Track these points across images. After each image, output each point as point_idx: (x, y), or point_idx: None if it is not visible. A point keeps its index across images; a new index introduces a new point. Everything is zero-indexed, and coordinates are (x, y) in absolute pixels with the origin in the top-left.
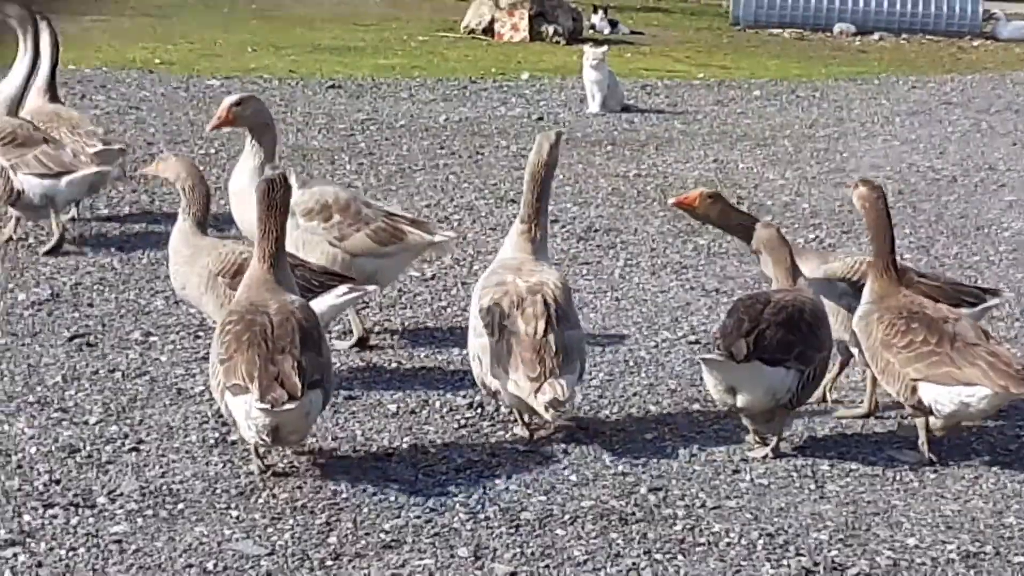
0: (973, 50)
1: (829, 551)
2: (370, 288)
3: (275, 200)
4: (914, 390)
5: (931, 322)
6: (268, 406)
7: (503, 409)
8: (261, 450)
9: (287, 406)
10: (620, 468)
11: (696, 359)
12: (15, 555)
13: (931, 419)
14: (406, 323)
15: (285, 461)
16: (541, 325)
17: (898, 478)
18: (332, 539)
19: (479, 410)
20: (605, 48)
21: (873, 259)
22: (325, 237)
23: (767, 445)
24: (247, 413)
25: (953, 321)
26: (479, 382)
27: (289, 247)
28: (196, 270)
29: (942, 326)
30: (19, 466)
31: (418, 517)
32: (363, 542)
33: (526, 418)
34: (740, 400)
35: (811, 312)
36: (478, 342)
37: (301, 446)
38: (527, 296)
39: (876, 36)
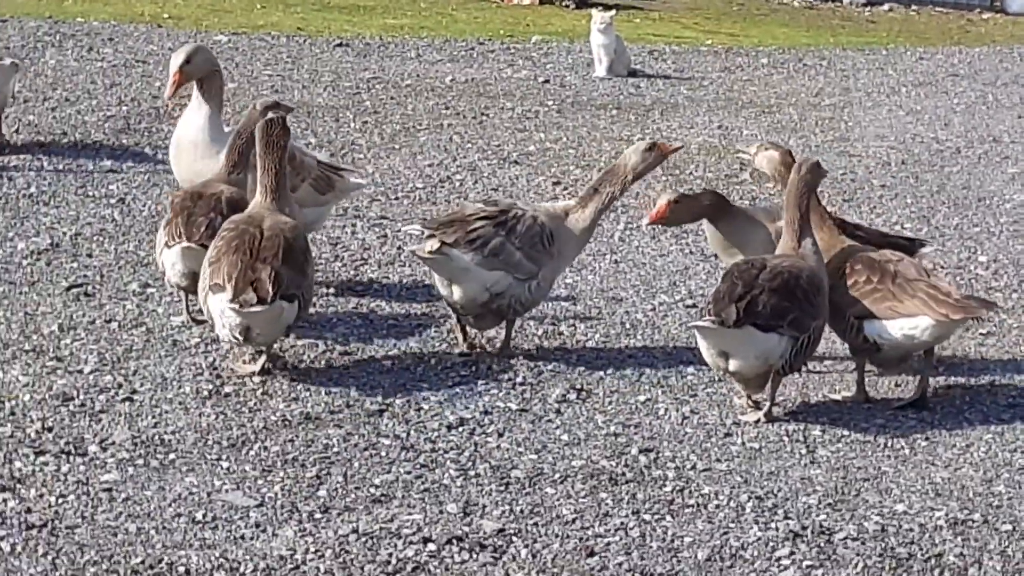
0: (982, 23)
1: (817, 515)
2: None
3: (274, 138)
4: (859, 328)
5: (873, 262)
6: (237, 306)
7: (495, 368)
8: (236, 350)
9: (255, 308)
10: (612, 429)
11: (688, 324)
12: (4, 501)
13: (877, 356)
14: (403, 279)
15: (277, 414)
16: None
17: (889, 445)
18: (322, 492)
19: (473, 368)
20: (613, 12)
21: (811, 214)
22: None
23: (759, 409)
24: (221, 312)
25: (895, 261)
26: None
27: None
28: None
29: (884, 265)
30: (12, 413)
31: (408, 472)
32: (352, 496)
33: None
34: (732, 365)
35: (808, 279)
36: None
37: (270, 348)
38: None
39: (886, 7)
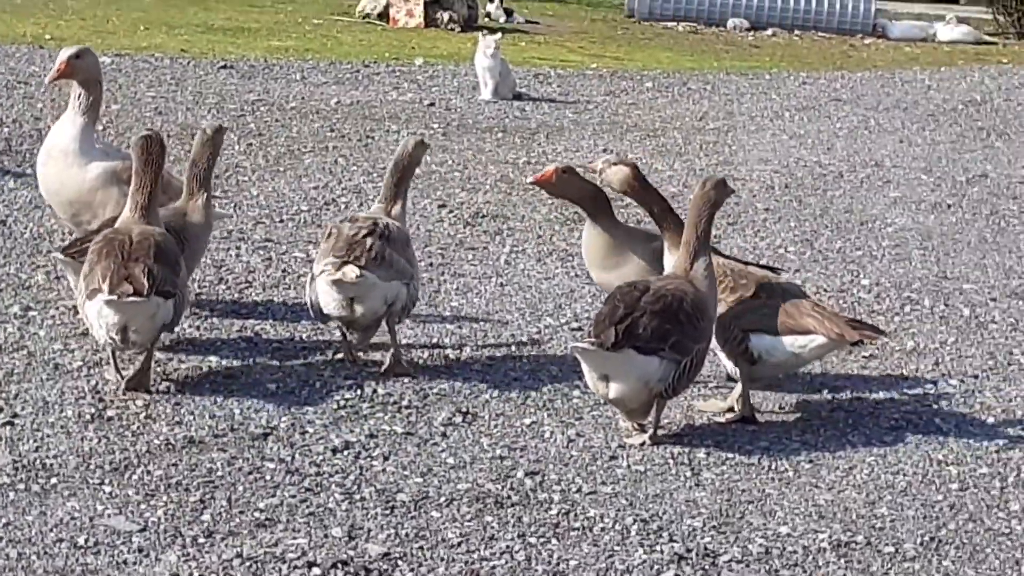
0: (864, 48)
1: (702, 538)
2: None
3: (152, 155)
4: (743, 340)
5: (757, 279)
6: (115, 297)
7: (380, 391)
8: (115, 355)
9: (132, 298)
10: (498, 452)
11: (568, 346)
12: None
13: (753, 368)
14: (288, 302)
15: (160, 438)
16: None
17: (773, 467)
18: (205, 516)
19: (359, 391)
20: (499, 36)
21: (679, 231)
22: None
23: (644, 432)
24: (99, 312)
25: (775, 281)
26: None
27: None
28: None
29: (771, 283)
30: None
31: (293, 496)
32: (237, 520)
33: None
34: (613, 390)
35: (693, 302)
36: None
37: (146, 349)
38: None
39: (769, 32)
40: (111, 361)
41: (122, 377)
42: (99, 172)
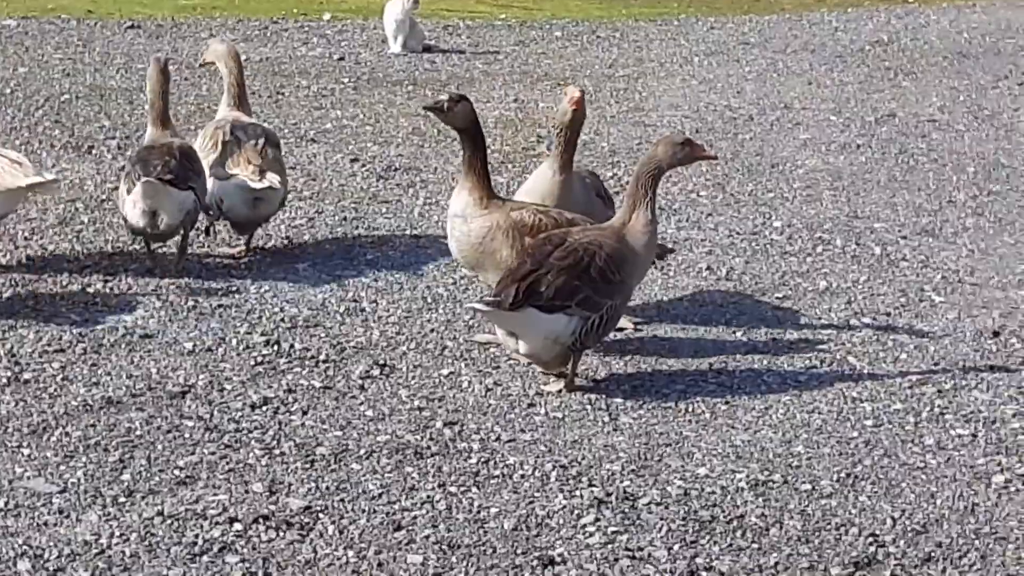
0: None
1: (621, 481)
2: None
3: (169, 74)
4: None
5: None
6: (151, 178)
7: (298, 346)
8: (149, 243)
9: (164, 183)
10: (416, 403)
11: (465, 305)
12: None
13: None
14: (204, 260)
15: (78, 399)
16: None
17: (690, 410)
18: (125, 476)
19: (275, 347)
20: None
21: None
22: None
23: (562, 379)
24: (134, 200)
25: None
26: None
27: None
28: None
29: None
30: None
31: (213, 453)
32: (157, 478)
33: None
34: (522, 346)
35: (608, 256)
36: None
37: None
38: None
39: None
40: (147, 248)
41: (154, 260)
42: None
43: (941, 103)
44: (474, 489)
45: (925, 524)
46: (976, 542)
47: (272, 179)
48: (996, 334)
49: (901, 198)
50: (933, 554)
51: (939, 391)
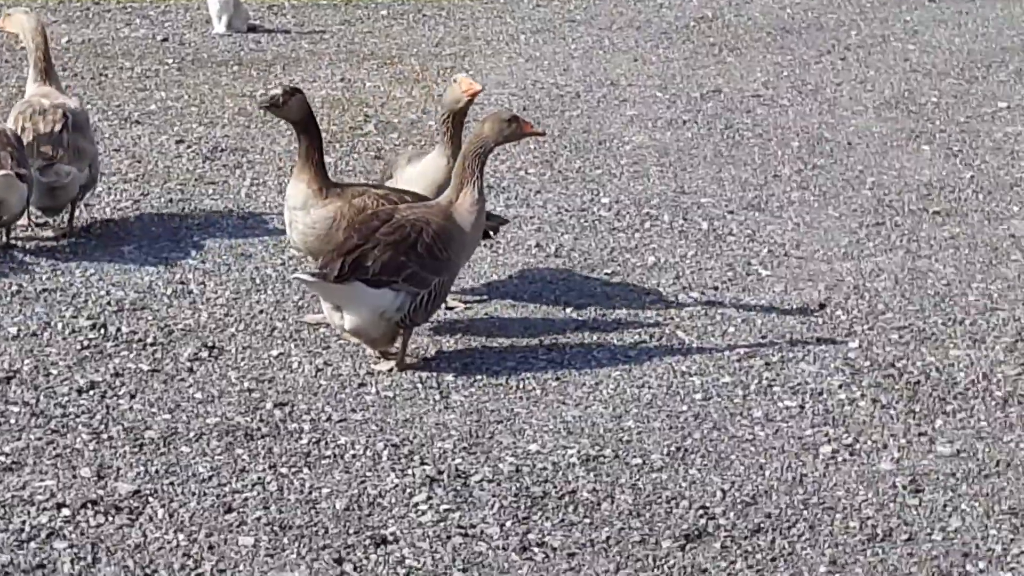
0: None
1: (453, 459)
2: None
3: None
4: None
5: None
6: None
7: (125, 330)
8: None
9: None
10: (246, 385)
11: (290, 277)
12: None
13: None
14: (28, 245)
15: None
16: None
17: (521, 386)
18: None
19: (102, 331)
20: None
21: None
22: None
23: (392, 359)
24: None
25: None
26: None
27: None
28: None
29: None
30: None
31: (39, 439)
32: None
33: None
34: (347, 320)
35: (435, 233)
36: None
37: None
38: None
39: None
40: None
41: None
42: None
43: (765, 78)
44: (305, 470)
45: (754, 496)
46: (805, 512)
47: (60, 170)
48: (822, 306)
49: (727, 173)
50: (763, 525)
51: (767, 364)
